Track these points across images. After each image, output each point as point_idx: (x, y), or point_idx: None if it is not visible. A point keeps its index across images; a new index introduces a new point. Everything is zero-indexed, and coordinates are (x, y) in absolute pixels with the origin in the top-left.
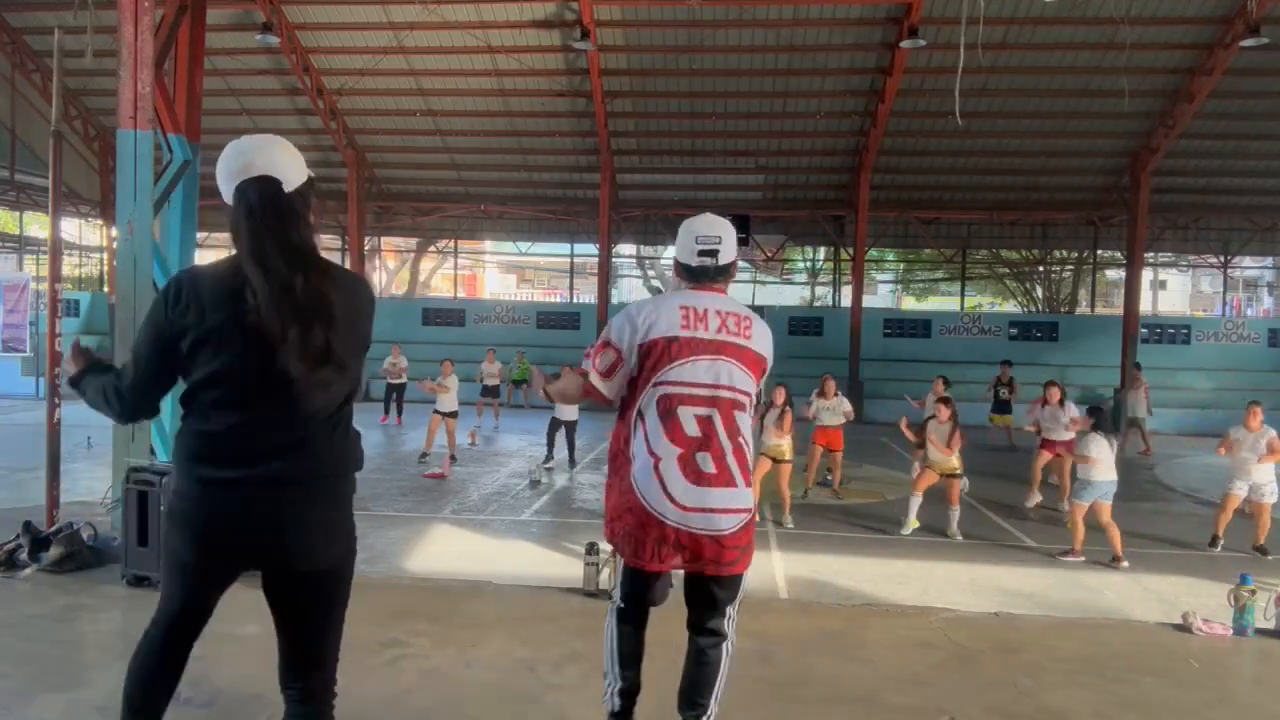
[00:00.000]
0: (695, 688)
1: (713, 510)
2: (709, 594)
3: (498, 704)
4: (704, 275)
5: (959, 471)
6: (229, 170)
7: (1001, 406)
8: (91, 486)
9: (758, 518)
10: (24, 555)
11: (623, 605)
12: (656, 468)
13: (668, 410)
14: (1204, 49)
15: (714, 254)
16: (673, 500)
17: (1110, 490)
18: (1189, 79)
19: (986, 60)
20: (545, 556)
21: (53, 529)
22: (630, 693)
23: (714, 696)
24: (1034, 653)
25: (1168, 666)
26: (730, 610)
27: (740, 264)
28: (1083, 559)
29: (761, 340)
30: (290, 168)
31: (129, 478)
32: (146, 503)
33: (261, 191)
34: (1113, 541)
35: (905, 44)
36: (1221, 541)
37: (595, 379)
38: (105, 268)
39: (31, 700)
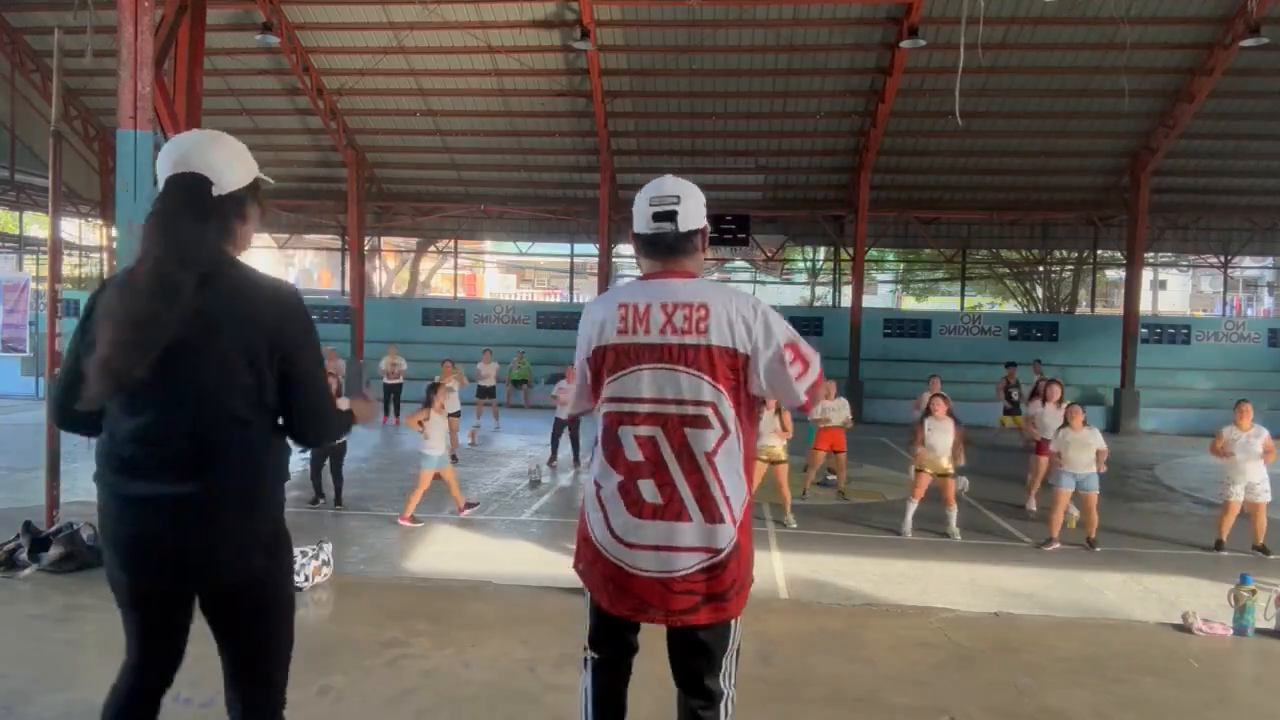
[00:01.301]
0: None
1: (658, 548)
2: (681, 650)
3: (498, 704)
4: (661, 246)
5: (951, 472)
6: (164, 162)
7: (1013, 408)
8: (91, 487)
9: (742, 563)
10: (24, 555)
11: (595, 655)
12: (599, 495)
13: (608, 430)
14: (1204, 49)
15: (671, 216)
16: (613, 534)
17: None
18: (1189, 79)
19: (986, 60)
20: (545, 556)
21: (53, 529)
22: None
23: None
24: (1034, 653)
25: (1168, 666)
26: (725, 663)
27: (740, 264)
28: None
29: (724, 329)
30: (226, 168)
31: None
32: None
33: (185, 189)
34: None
35: (905, 44)
36: (1225, 546)
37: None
38: (105, 268)
39: (31, 700)
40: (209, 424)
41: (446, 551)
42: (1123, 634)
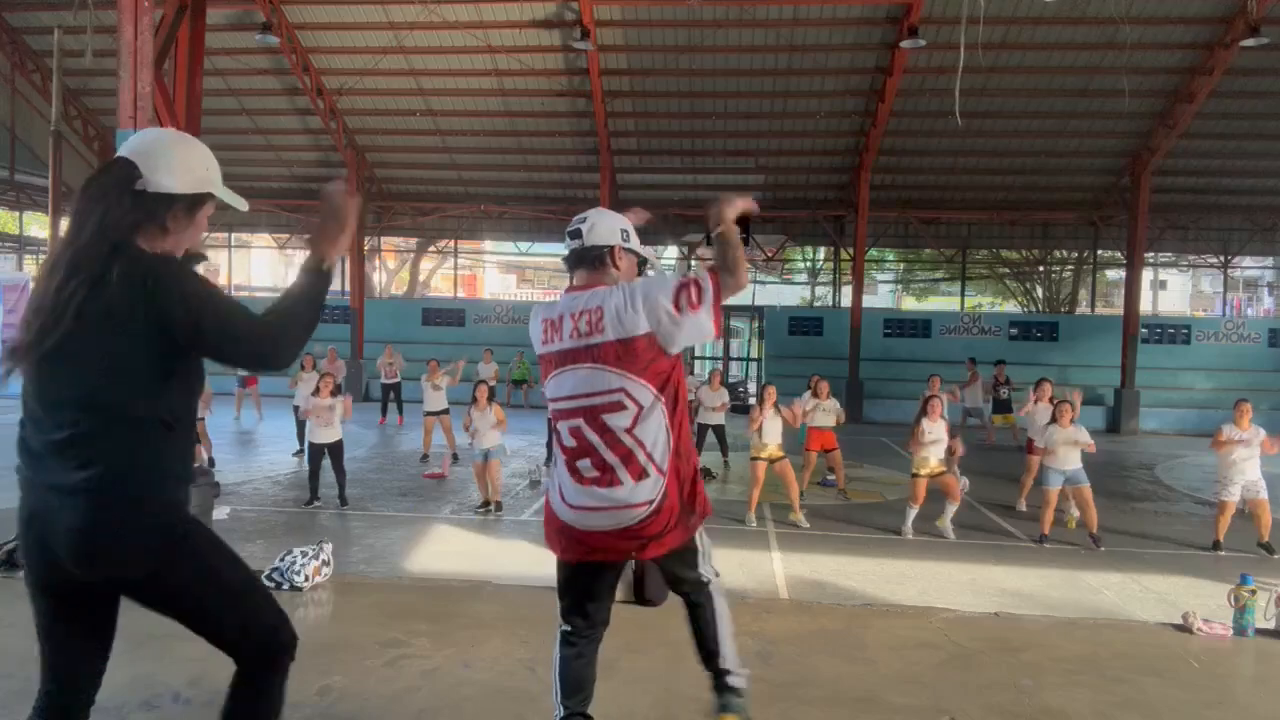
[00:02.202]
0: (699, 638)
1: (599, 509)
2: (655, 569)
3: (498, 704)
4: (571, 259)
5: (943, 470)
6: (120, 148)
7: (1002, 406)
8: None
9: (673, 505)
10: None
11: (565, 627)
12: (555, 472)
13: (551, 424)
14: (1204, 49)
15: (577, 234)
16: (565, 500)
17: None
18: (1189, 79)
19: (986, 60)
20: (545, 556)
21: None
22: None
23: (722, 639)
24: (1034, 653)
25: (1168, 666)
26: (696, 559)
27: None
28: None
29: (616, 323)
30: (164, 167)
31: None
32: None
33: (112, 172)
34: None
35: (905, 44)
36: (1224, 546)
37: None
38: None
39: (31, 700)
40: (90, 415)
41: (446, 551)
42: (1123, 634)
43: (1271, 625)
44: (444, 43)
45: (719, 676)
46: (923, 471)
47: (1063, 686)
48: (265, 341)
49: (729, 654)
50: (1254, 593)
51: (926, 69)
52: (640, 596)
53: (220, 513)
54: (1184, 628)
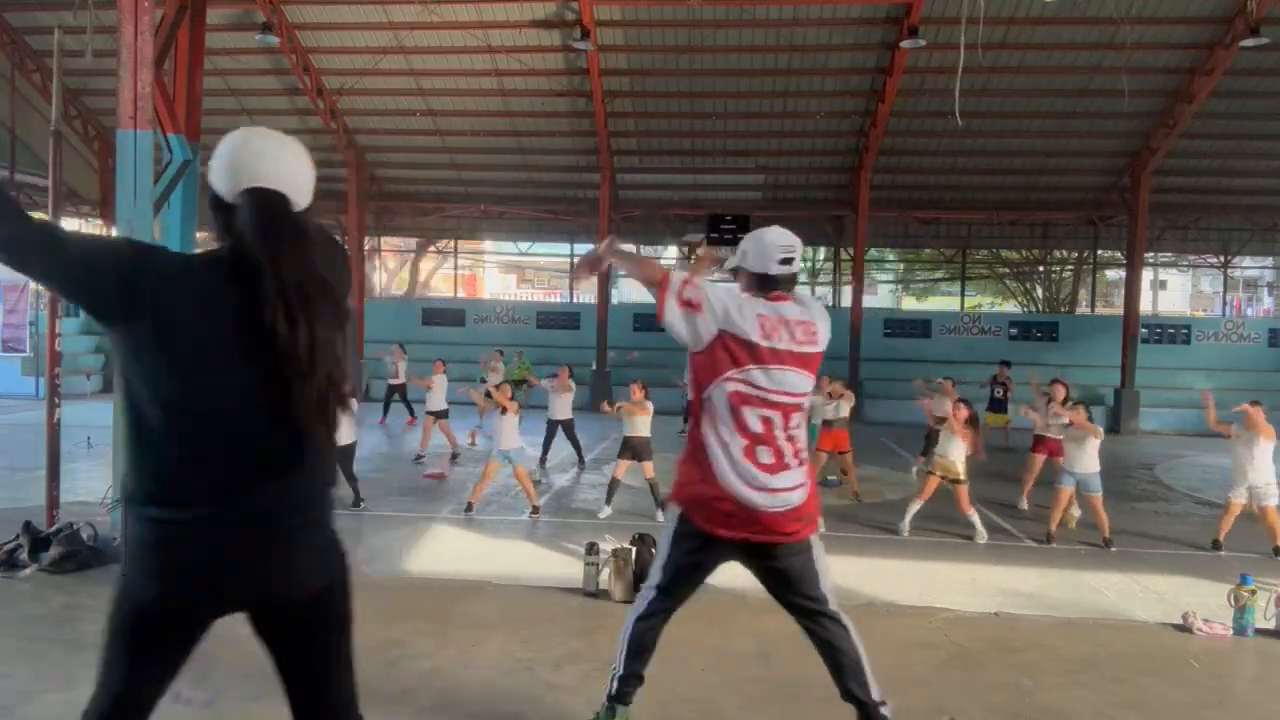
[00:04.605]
0: (847, 671)
1: (774, 490)
2: (786, 575)
3: (498, 704)
4: (788, 284)
5: (964, 478)
6: (237, 165)
7: (996, 405)
8: (91, 486)
9: (813, 493)
10: (24, 555)
11: (658, 603)
12: (728, 453)
13: (736, 407)
14: (1204, 49)
15: (792, 260)
16: (743, 481)
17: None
18: (1189, 79)
19: (986, 60)
20: (545, 556)
21: (53, 529)
22: (631, 679)
23: (868, 672)
24: (1034, 653)
25: (1168, 667)
26: (820, 583)
27: None
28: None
29: (822, 338)
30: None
31: None
32: None
33: (275, 207)
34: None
35: (905, 44)
36: (1223, 546)
37: (674, 293)
38: None
39: (31, 700)
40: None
41: (446, 551)
42: (1123, 634)
43: (1271, 625)
44: (444, 43)
45: (872, 710)
46: (938, 473)
47: (1063, 686)
48: None
49: (875, 686)
50: (1254, 593)
51: (926, 69)
52: None
53: None
54: (1184, 628)
